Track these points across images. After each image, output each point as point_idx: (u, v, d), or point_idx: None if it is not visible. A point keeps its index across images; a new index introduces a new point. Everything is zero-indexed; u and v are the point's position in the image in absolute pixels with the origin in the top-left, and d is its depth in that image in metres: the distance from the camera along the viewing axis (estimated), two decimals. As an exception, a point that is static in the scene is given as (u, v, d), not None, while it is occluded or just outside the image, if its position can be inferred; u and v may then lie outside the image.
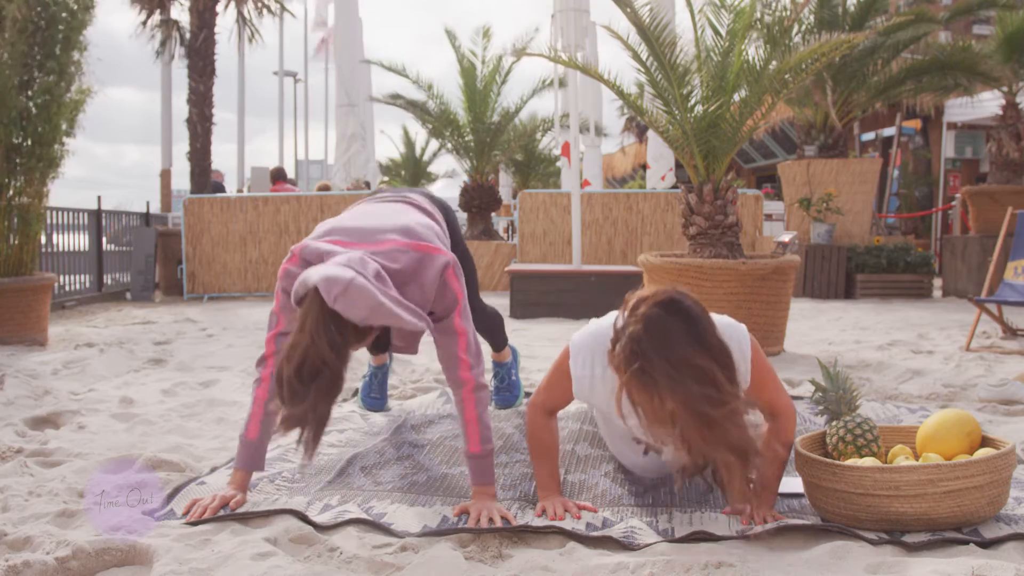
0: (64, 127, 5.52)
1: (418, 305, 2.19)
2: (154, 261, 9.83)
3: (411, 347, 2.50)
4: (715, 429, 1.76)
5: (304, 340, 1.87)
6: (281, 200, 9.84)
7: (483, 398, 2.25)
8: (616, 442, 2.45)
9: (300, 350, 1.87)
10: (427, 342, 2.53)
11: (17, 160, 5.41)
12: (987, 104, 10.32)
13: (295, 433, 1.92)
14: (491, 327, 3.20)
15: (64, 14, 5.42)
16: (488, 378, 3.69)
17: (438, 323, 2.27)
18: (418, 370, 4.39)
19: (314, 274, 1.93)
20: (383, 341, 2.38)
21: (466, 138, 11.59)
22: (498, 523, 2.03)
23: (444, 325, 2.26)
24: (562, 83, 9.08)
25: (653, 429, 1.84)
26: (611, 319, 2.13)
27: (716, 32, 4.95)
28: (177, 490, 2.33)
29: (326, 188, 11.30)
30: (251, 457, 2.27)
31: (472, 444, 2.22)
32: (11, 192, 5.44)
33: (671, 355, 1.76)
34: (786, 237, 5.81)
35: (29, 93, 5.38)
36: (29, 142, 5.39)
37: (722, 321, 2.08)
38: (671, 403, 1.76)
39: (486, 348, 3.49)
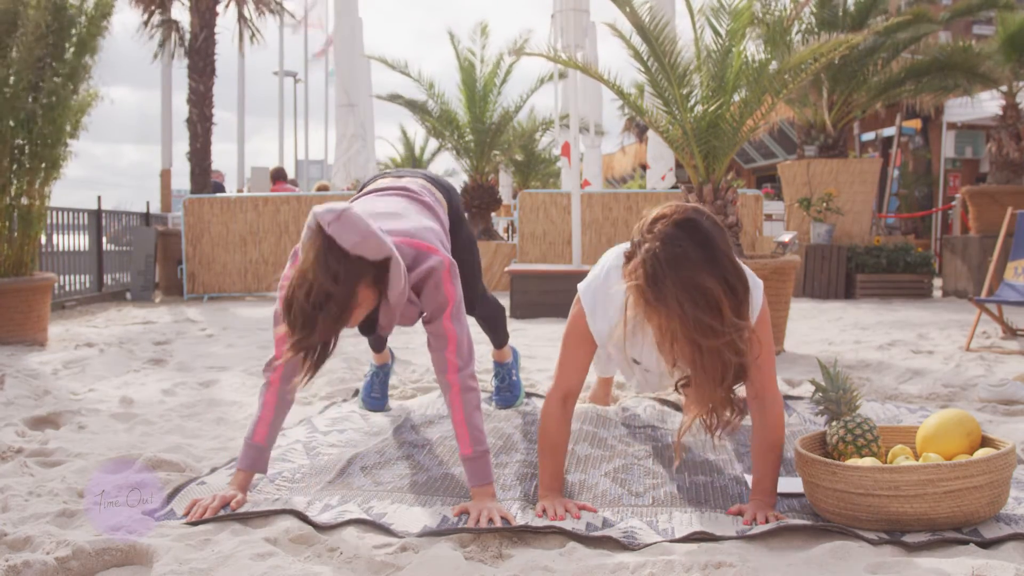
0: (68, 129, 5.52)
1: (416, 286, 2.25)
2: (154, 261, 9.83)
3: (389, 326, 2.34)
4: (704, 356, 1.83)
5: (309, 269, 2.00)
6: (281, 200, 9.84)
7: (471, 400, 2.25)
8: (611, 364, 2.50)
9: (307, 279, 1.99)
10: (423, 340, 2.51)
11: (23, 161, 5.42)
12: (987, 104, 10.32)
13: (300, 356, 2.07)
14: (492, 319, 3.21)
15: (81, 18, 5.43)
16: (488, 378, 3.71)
17: (428, 324, 2.29)
18: (418, 370, 4.39)
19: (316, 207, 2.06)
20: (371, 321, 2.33)
21: (466, 138, 11.60)
22: (498, 523, 2.03)
23: (434, 327, 2.28)
24: (562, 75, 9.12)
25: (658, 343, 1.91)
26: (609, 260, 2.24)
27: (716, 32, 4.95)
28: (177, 490, 2.33)
29: (324, 188, 11.31)
30: (255, 459, 2.28)
31: (464, 446, 2.22)
32: (13, 193, 5.44)
33: (682, 276, 1.80)
34: (786, 237, 5.80)
35: (36, 96, 5.38)
36: (33, 144, 5.38)
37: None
38: (673, 322, 1.82)
39: (487, 347, 3.50)
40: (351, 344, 5.12)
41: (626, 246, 2.18)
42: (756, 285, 2.10)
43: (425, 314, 2.30)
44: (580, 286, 2.27)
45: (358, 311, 2.11)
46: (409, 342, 5.42)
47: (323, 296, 1.98)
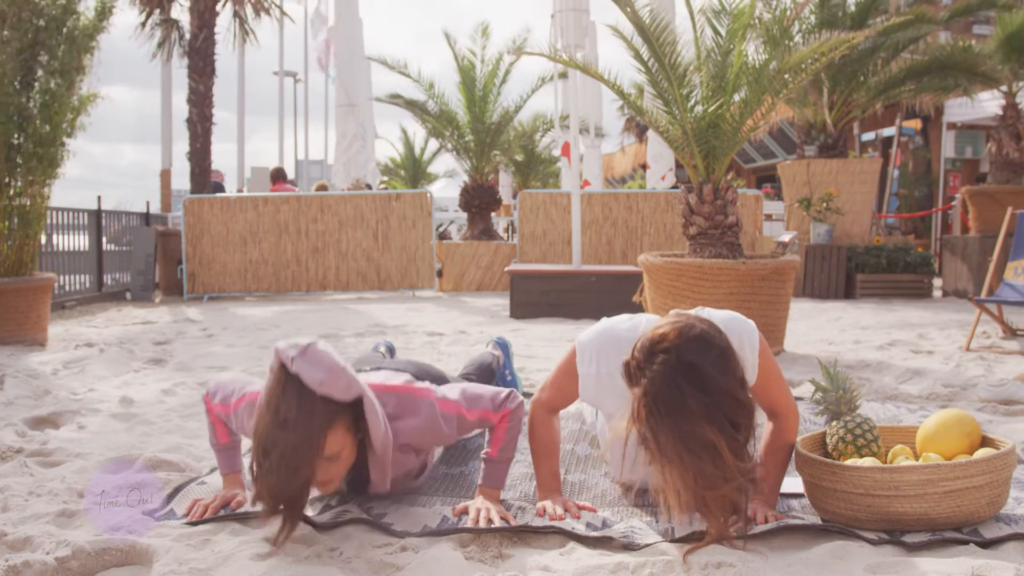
0: (65, 128, 5.51)
1: (417, 440, 2.16)
2: (154, 261, 9.83)
3: (381, 480, 2.14)
4: (709, 504, 1.77)
5: (259, 415, 1.86)
6: (281, 200, 9.85)
7: (517, 423, 2.24)
8: (615, 446, 2.44)
9: (257, 427, 1.85)
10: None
11: (18, 160, 5.41)
12: (987, 104, 10.32)
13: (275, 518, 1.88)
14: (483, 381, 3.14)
15: (70, 17, 5.41)
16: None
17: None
18: (418, 370, 4.39)
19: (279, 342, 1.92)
20: (361, 476, 2.17)
21: (466, 138, 11.60)
22: (498, 523, 2.03)
23: (467, 429, 2.25)
24: (562, 75, 9.13)
25: (657, 488, 1.83)
26: (621, 322, 2.20)
27: (716, 32, 4.95)
28: (177, 490, 2.33)
29: (324, 188, 11.32)
30: (230, 459, 2.30)
31: (492, 448, 2.22)
32: (12, 192, 5.44)
33: (681, 427, 1.72)
34: (786, 237, 5.81)
35: (30, 93, 5.38)
36: (30, 143, 5.38)
37: (729, 316, 2.10)
38: (674, 474, 1.76)
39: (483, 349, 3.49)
40: (352, 345, 5.13)
41: (628, 323, 2.15)
42: (750, 332, 2.10)
43: (453, 436, 2.22)
44: (580, 336, 2.24)
45: (336, 465, 1.94)
46: (409, 343, 5.42)
47: (269, 445, 1.80)
